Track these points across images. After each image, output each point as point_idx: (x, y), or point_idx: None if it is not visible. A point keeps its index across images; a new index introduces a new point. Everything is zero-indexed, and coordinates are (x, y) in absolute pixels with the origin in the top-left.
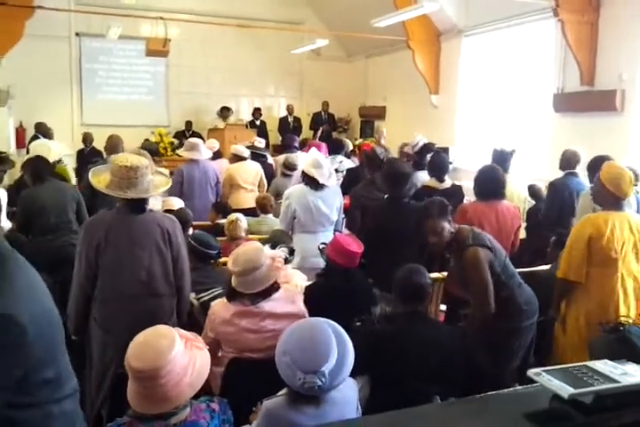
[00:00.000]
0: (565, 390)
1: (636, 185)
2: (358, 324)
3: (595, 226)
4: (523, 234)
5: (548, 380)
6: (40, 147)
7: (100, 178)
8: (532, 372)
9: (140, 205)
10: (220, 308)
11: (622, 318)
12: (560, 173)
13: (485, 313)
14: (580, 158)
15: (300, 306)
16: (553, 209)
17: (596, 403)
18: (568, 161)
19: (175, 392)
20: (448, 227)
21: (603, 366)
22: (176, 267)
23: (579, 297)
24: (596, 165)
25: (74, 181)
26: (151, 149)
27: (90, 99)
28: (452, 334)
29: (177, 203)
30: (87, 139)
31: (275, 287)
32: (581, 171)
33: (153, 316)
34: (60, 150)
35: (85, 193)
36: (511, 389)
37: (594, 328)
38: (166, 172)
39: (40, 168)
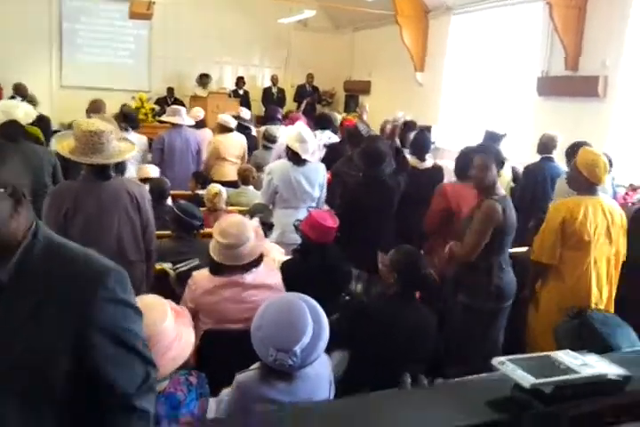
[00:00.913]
0: (527, 379)
1: (610, 171)
2: (347, 298)
3: (568, 210)
4: None
5: (511, 369)
6: (10, 108)
7: (64, 144)
8: (496, 360)
9: (105, 171)
10: (203, 278)
11: (587, 305)
12: (537, 157)
13: (464, 255)
14: (557, 143)
15: (279, 279)
16: (526, 193)
17: (556, 393)
18: (545, 145)
19: (159, 364)
20: (494, 173)
21: (564, 356)
22: (145, 232)
23: (552, 280)
24: (573, 150)
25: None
26: (130, 115)
27: (69, 60)
28: (432, 316)
29: (153, 171)
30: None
31: (259, 260)
32: (558, 155)
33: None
34: (31, 112)
35: (59, 156)
36: (476, 376)
37: (565, 311)
38: (144, 141)
39: (11, 131)
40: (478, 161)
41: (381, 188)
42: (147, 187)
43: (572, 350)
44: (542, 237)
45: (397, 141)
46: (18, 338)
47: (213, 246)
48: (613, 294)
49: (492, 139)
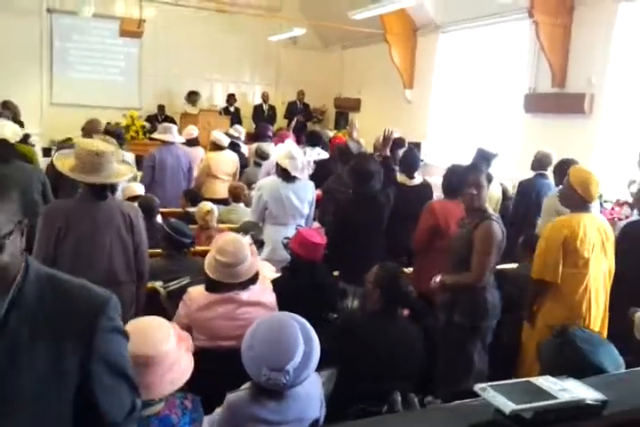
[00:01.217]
0: (507, 405)
1: None
2: (335, 316)
3: (570, 228)
4: None
5: (492, 396)
6: None
7: (64, 161)
8: (478, 387)
9: (103, 191)
10: (198, 294)
11: (570, 324)
12: (530, 174)
13: (475, 280)
14: (552, 160)
15: (273, 297)
16: (520, 208)
17: (536, 417)
18: (539, 162)
19: (157, 385)
20: (486, 191)
21: (544, 382)
22: (137, 252)
23: (551, 297)
24: (561, 167)
25: (41, 161)
26: (116, 133)
27: (60, 77)
28: (418, 333)
29: (139, 188)
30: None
31: (255, 278)
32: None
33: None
34: (18, 130)
35: (50, 175)
36: (460, 401)
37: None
38: (131, 158)
39: (2, 150)
40: (473, 180)
41: (372, 204)
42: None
43: (555, 367)
44: (545, 255)
45: (388, 151)
46: (21, 371)
47: (210, 264)
48: (607, 307)
49: (484, 157)
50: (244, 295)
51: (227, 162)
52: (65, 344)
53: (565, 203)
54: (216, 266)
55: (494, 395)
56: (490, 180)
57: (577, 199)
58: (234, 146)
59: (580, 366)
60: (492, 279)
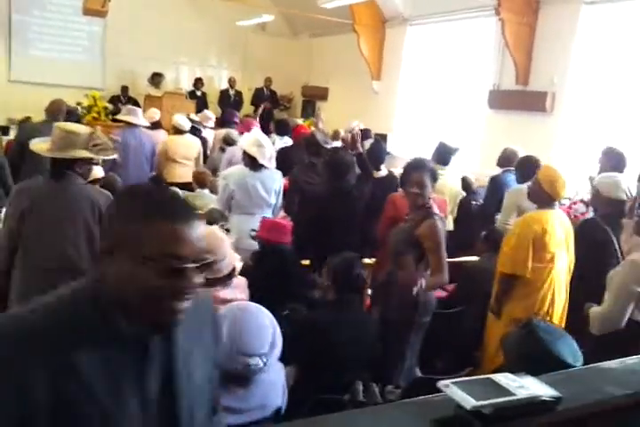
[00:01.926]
0: (468, 401)
1: None
2: (286, 313)
3: (540, 224)
4: (450, 226)
5: (454, 392)
6: None
7: (41, 145)
8: (441, 383)
9: (66, 171)
10: None
11: (533, 316)
12: (495, 169)
13: (445, 279)
14: (518, 157)
15: (247, 294)
16: (492, 203)
17: (495, 413)
18: (508, 158)
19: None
20: (430, 190)
21: (503, 379)
22: None
23: (517, 291)
24: (523, 164)
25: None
26: (72, 112)
27: (19, 54)
28: (374, 322)
29: (98, 171)
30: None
31: (232, 274)
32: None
33: None
34: None
35: (14, 156)
36: (421, 397)
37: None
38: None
39: None
40: (416, 178)
41: (347, 199)
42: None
43: (518, 357)
44: (516, 250)
45: (360, 148)
46: (194, 379)
47: None
48: (567, 302)
49: (445, 151)
50: (222, 293)
51: (186, 146)
52: (208, 343)
53: (533, 199)
54: None
55: (456, 391)
56: (435, 177)
57: (544, 196)
58: (194, 131)
59: (540, 356)
60: (425, 275)
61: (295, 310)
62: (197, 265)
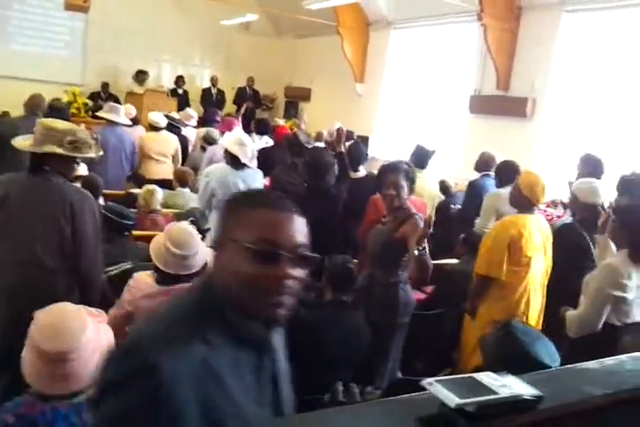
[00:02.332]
0: (452, 399)
1: None
2: None
3: (516, 228)
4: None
5: (438, 390)
6: None
7: (23, 142)
8: (425, 382)
9: (38, 164)
10: (144, 281)
11: (512, 318)
12: (474, 173)
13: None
14: (496, 162)
15: None
16: (471, 208)
17: (479, 411)
18: (486, 163)
19: (84, 373)
20: (406, 191)
21: (485, 378)
22: (77, 244)
23: (494, 294)
24: (502, 169)
25: None
26: (61, 110)
27: None
28: (364, 323)
29: (81, 169)
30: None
31: (203, 269)
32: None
33: (40, 290)
34: None
35: None
36: (405, 395)
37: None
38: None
39: None
40: (392, 180)
41: (326, 198)
42: (93, 200)
43: (496, 358)
44: (491, 252)
45: (343, 147)
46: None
47: (160, 256)
48: (543, 306)
49: (422, 153)
50: (187, 287)
51: (161, 142)
52: (281, 346)
53: (513, 203)
54: (169, 258)
55: (440, 389)
56: (410, 179)
57: (523, 201)
58: (173, 129)
59: (518, 357)
60: (404, 276)
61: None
62: (293, 257)
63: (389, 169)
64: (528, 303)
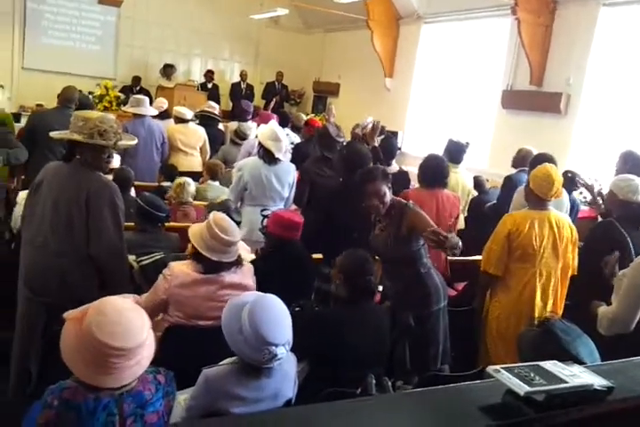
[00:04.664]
0: (522, 387)
1: (576, 189)
2: (297, 309)
3: (514, 223)
4: (461, 224)
5: (506, 377)
6: None
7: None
8: (491, 369)
9: (69, 153)
10: (181, 270)
11: (549, 315)
12: (505, 170)
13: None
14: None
15: (254, 280)
16: (506, 203)
17: (547, 401)
18: (523, 159)
19: (135, 369)
20: (389, 193)
21: (552, 366)
22: (91, 232)
23: (499, 290)
24: (536, 162)
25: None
26: (84, 103)
27: (33, 41)
28: (386, 318)
29: (115, 161)
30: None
31: (240, 260)
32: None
33: (50, 272)
34: None
35: (25, 143)
36: (463, 383)
37: (510, 320)
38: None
39: None
40: (371, 189)
41: (360, 192)
42: (113, 189)
43: (534, 356)
44: (490, 248)
45: (376, 142)
46: None
47: (204, 244)
48: (560, 306)
49: (456, 148)
50: (227, 277)
51: (188, 134)
52: None
53: (526, 198)
54: (215, 245)
55: (508, 376)
56: (386, 175)
57: (533, 196)
58: (209, 121)
59: (557, 355)
60: (429, 263)
61: (305, 307)
62: None
63: (366, 179)
64: (533, 301)
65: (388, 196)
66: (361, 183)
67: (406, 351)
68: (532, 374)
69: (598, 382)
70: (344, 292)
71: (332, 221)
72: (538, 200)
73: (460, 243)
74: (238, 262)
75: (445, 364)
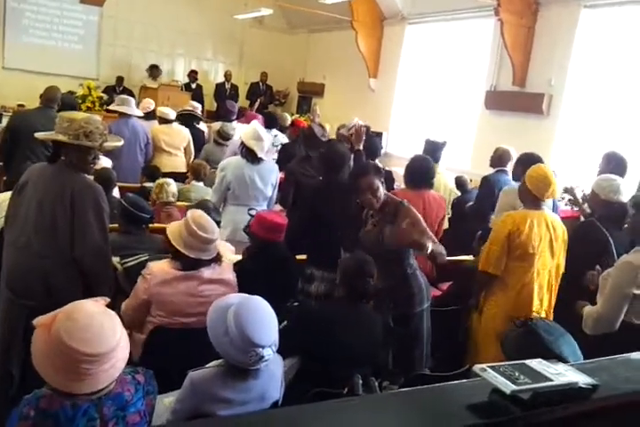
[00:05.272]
0: (508, 386)
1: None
2: (296, 303)
3: (514, 223)
4: (446, 224)
5: (492, 376)
6: None
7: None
8: (477, 367)
9: (53, 154)
10: (159, 269)
11: (533, 315)
12: (488, 169)
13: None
14: (511, 157)
15: (234, 275)
16: (484, 203)
17: (533, 399)
18: (500, 158)
19: (111, 373)
20: (382, 187)
21: (538, 364)
22: (75, 234)
23: (497, 289)
24: (524, 161)
25: None
26: (68, 103)
27: (14, 40)
28: (379, 320)
29: (104, 162)
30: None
31: (219, 256)
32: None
33: (33, 275)
34: None
35: (7, 143)
36: (450, 383)
37: (508, 320)
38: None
39: None
40: (365, 184)
41: (342, 191)
42: (98, 191)
43: (517, 356)
44: (490, 248)
45: (361, 146)
46: None
47: (182, 241)
48: (553, 304)
49: (433, 148)
50: (206, 273)
51: (172, 134)
52: None
53: (521, 198)
54: (193, 242)
55: (494, 375)
56: (378, 169)
57: (529, 196)
58: (190, 121)
59: (540, 354)
60: (415, 264)
61: (303, 302)
62: None
63: (359, 173)
64: (531, 301)
65: (381, 190)
66: (354, 178)
67: (389, 352)
68: (518, 373)
69: (583, 379)
70: (342, 291)
71: (316, 219)
72: (534, 200)
73: (444, 251)
74: (217, 259)
75: (426, 367)
